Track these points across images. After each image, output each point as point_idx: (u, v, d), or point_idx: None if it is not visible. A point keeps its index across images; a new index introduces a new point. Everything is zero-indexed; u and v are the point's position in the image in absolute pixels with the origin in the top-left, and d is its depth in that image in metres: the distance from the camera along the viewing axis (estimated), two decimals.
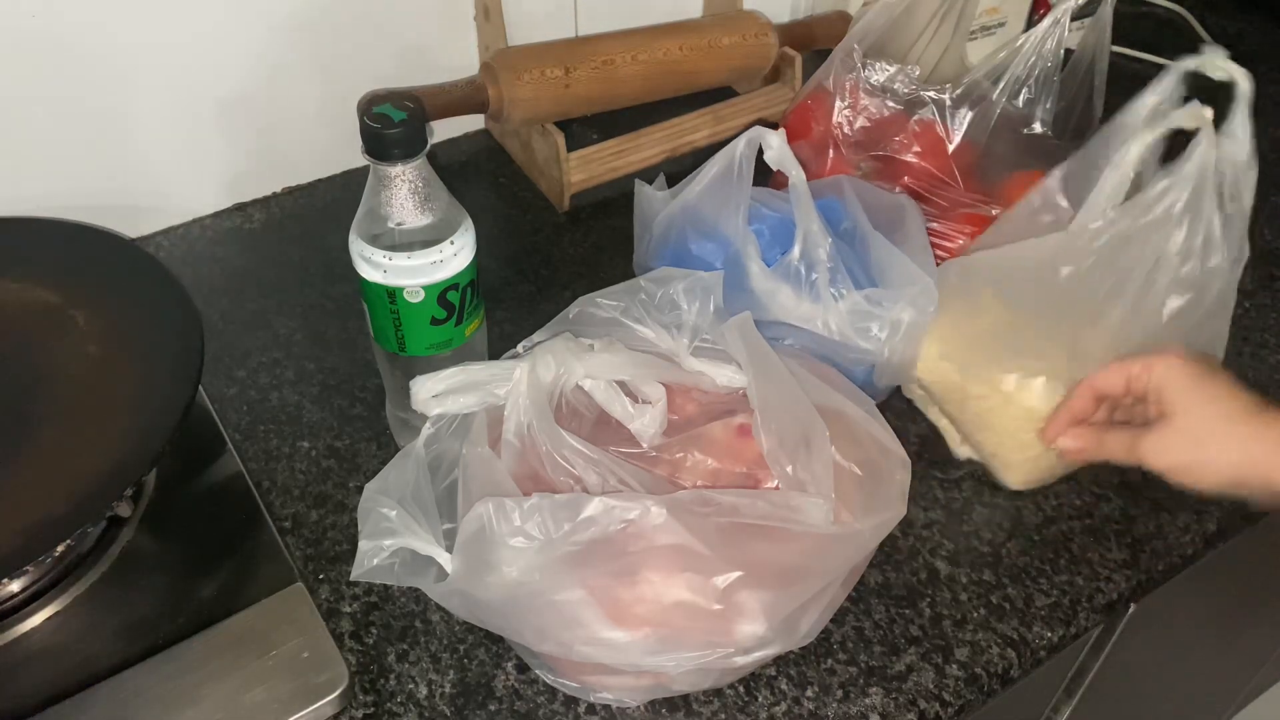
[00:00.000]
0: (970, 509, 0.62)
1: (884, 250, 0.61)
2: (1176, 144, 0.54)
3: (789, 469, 0.49)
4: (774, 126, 0.61)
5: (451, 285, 0.55)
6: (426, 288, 0.55)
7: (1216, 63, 0.54)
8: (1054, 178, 0.59)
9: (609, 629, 0.46)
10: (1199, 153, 0.52)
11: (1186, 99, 0.55)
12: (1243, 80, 0.53)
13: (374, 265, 0.54)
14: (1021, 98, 0.72)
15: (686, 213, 0.63)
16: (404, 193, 0.53)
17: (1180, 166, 0.53)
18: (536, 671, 0.53)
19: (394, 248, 0.54)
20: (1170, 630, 0.86)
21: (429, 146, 0.53)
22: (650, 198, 0.66)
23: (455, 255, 0.55)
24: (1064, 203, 0.59)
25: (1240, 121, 0.53)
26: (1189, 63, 0.55)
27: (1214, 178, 0.53)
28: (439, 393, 0.52)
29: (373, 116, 0.51)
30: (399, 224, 0.53)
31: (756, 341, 0.53)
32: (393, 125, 0.51)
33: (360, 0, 0.77)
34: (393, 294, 0.55)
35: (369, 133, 0.51)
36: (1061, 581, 0.58)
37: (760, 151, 0.60)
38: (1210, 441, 0.51)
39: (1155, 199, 0.53)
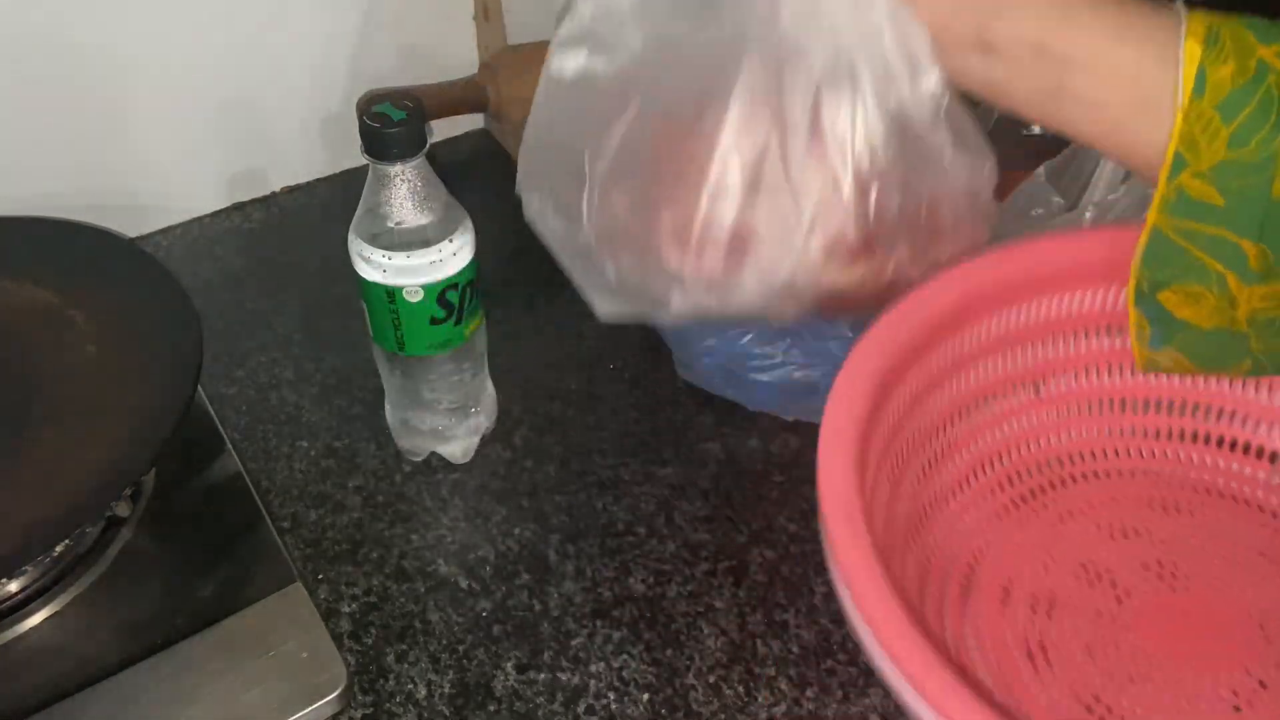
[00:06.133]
0: None
1: None
2: None
3: None
4: None
5: (451, 285, 0.55)
6: (426, 287, 0.55)
7: None
8: (1040, 174, 0.59)
9: None
10: None
11: None
12: None
13: (373, 265, 0.54)
14: None
15: None
16: (403, 192, 0.53)
17: None
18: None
19: (393, 247, 0.54)
20: None
21: (428, 146, 0.53)
22: None
23: (454, 255, 0.54)
24: (1055, 197, 0.59)
25: None
26: None
27: None
28: None
29: (372, 116, 0.51)
30: (398, 223, 0.53)
31: None
32: (392, 124, 0.51)
33: (359, 0, 0.77)
34: (392, 294, 0.55)
35: (368, 132, 0.51)
36: None
37: None
38: None
39: None
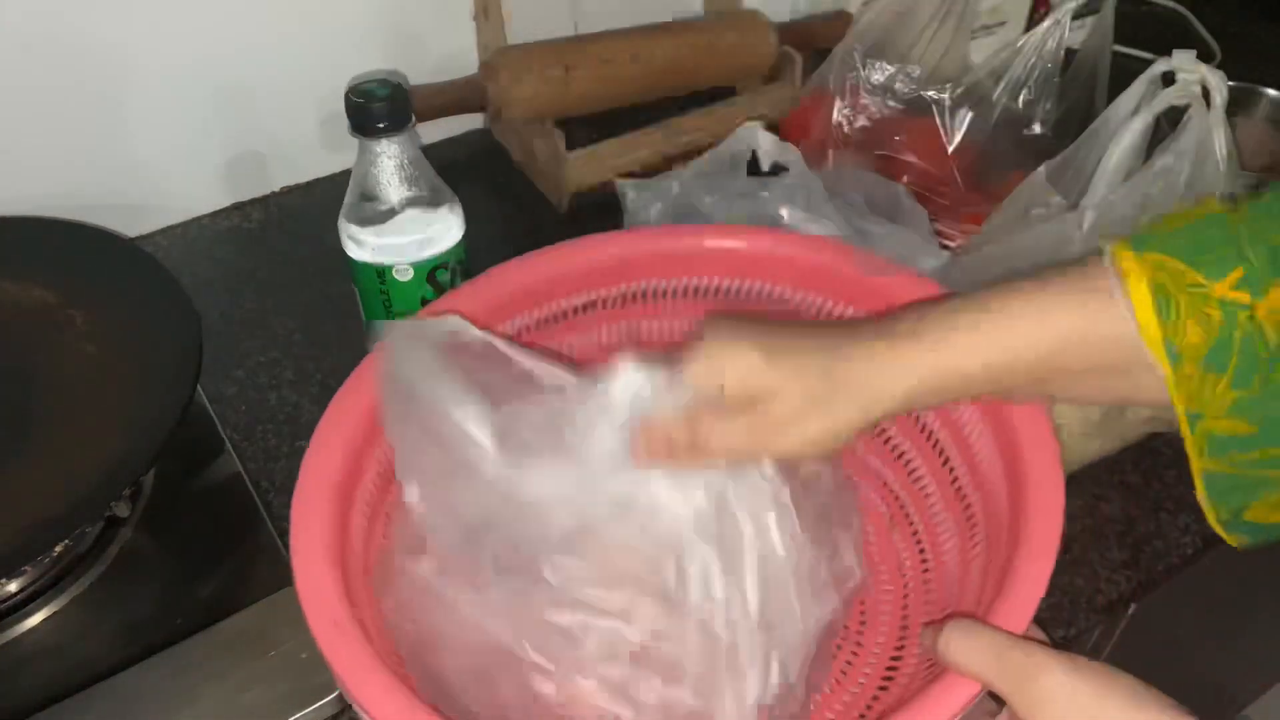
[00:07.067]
0: None
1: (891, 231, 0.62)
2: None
3: None
4: (774, 127, 0.61)
5: (440, 264, 0.55)
6: (415, 266, 0.54)
7: (1187, 65, 0.55)
8: (1040, 174, 0.59)
9: None
10: (1193, 125, 0.53)
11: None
12: (1213, 81, 0.54)
13: (361, 244, 0.54)
14: (1022, 98, 0.72)
15: (684, 193, 0.64)
16: (390, 169, 0.53)
17: (1177, 140, 0.53)
18: None
19: (381, 225, 0.53)
20: (1170, 630, 0.86)
21: (414, 122, 0.53)
22: (634, 188, 0.66)
23: (443, 234, 0.54)
24: (1055, 197, 0.59)
25: (1215, 120, 0.54)
26: (1163, 65, 0.56)
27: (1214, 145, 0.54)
28: None
29: (357, 92, 0.52)
30: (385, 201, 0.53)
31: None
32: (376, 99, 0.51)
33: (359, 0, 0.77)
34: (381, 273, 0.55)
35: (354, 108, 0.52)
36: (1062, 581, 0.58)
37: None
38: None
39: (1160, 173, 0.54)
